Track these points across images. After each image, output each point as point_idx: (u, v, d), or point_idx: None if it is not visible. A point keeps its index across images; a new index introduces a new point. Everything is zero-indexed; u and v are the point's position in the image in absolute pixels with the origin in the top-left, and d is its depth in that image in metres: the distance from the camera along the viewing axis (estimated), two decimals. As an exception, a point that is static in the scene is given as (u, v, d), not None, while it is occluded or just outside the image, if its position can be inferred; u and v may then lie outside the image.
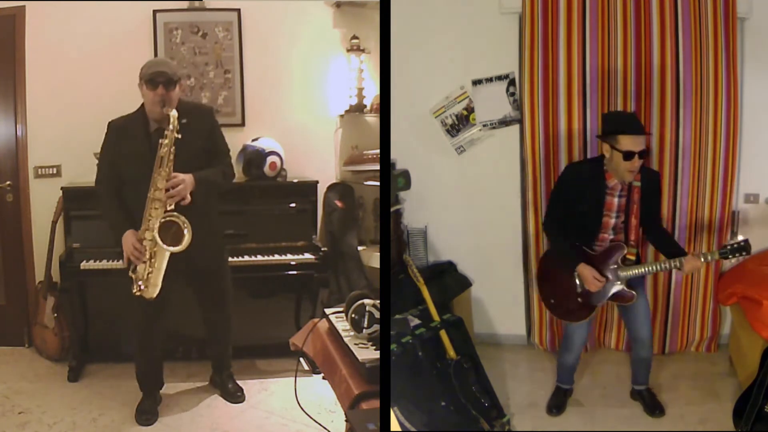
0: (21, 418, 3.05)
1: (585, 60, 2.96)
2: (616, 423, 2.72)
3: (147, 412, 3.11)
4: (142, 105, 3.03)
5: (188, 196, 2.85)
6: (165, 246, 2.78)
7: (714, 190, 2.97)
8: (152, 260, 2.82)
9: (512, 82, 3.10)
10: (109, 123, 3.06)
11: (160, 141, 2.82)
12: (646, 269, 2.51)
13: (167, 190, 2.80)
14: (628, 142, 2.37)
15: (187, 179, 2.85)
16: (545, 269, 2.77)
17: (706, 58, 2.84)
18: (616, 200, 2.51)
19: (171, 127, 2.80)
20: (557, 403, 2.83)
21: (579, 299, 2.59)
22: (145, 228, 2.83)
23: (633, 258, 2.54)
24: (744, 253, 2.42)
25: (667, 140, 2.93)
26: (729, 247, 2.42)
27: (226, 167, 3.10)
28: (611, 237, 2.55)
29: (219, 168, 3.05)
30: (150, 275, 2.83)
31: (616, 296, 2.55)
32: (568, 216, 2.57)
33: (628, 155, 2.37)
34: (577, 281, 2.58)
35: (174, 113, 2.82)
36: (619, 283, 2.53)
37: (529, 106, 3.04)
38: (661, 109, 2.93)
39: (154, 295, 2.85)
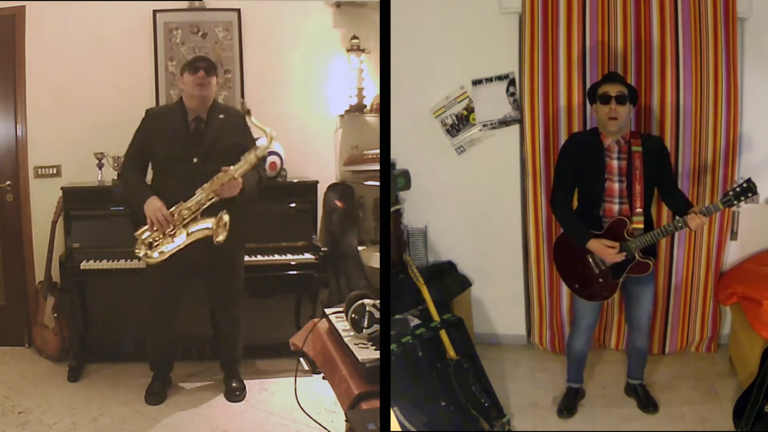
0: (21, 418, 3.05)
1: (585, 60, 2.96)
2: (616, 423, 2.72)
3: (156, 393, 3.20)
4: (180, 99, 3.16)
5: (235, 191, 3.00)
6: (196, 230, 2.93)
7: (714, 190, 2.97)
8: (174, 234, 2.93)
9: (512, 82, 3.10)
10: (147, 110, 3.21)
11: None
12: (653, 236, 2.41)
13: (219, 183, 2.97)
14: (605, 88, 2.46)
15: (240, 183, 2.99)
16: (560, 254, 2.70)
17: (706, 58, 2.84)
18: (615, 162, 2.48)
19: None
20: (568, 405, 2.80)
21: (600, 279, 2.54)
22: (185, 206, 2.94)
23: (641, 227, 2.44)
24: (750, 195, 2.21)
25: (668, 141, 2.93)
26: (732, 192, 2.24)
27: (261, 170, 3.20)
28: (617, 208, 2.48)
29: (256, 173, 3.14)
30: (165, 244, 2.92)
31: (634, 268, 2.46)
32: (574, 184, 2.56)
33: (604, 98, 2.44)
34: (592, 261, 2.54)
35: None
36: (631, 257, 2.44)
37: (529, 106, 3.04)
38: (661, 109, 2.93)
39: (156, 262, 2.94)
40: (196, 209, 2.97)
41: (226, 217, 2.94)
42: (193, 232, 2.96)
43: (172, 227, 2.94)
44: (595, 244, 2.48)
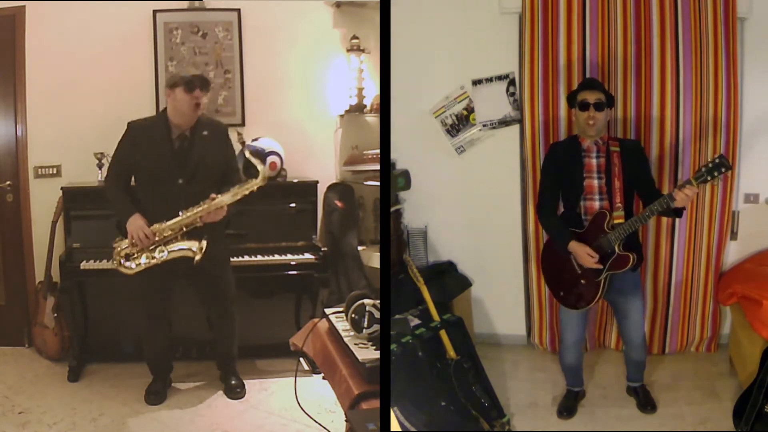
0: (21, 418, 3.05)
1: (585, 60, 2.97)
2: (616, 423, 2.72)
3: (156, 393, 3.21)
4: (164, 111, 3.10)
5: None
6: (176, 249, 2.95)
7: (714, 190, 2.97)
8: (153, 253, 2.94)
9: (512, 82, 3.10)
10: (129, 123, 3.12)
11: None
12: (632, 224, 2.41)
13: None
14: (583, 95, 2.51)
15: (225, 211, 2.99)
16: (547, 264, 2.73)
17: (706, 58, 2.84)
18: (594, 161, 2.53)
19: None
20: (568, 407, 2.81)
21: (582, 281, 2.55)
22: (168, 226, 2.94)
23: (621, 221, 2.46)
24: (723, 170, 2.21)
25: (668, 141, 2.93)
26: (704, 168, 2.23)
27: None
28: (598, 205, 2.51)
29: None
30: (144, 259, 2.93)
31: (614, 264, 2.47)
32: (557, 190, 2.60)
33: (582, 105, 2.50)
34: (574, 262, 2.56)
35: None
36: (611, 251, 2.46)
37: (529, 106, 3.04)
38: (661, 109, 2.93)
39: (132, 273, 2.97)
40: (177, 230, 2.96)
41: (204, 243, 2.95)
42: (173, 251, 2.97)
43: (151, 245, 2.95)
44: (576, 247, 2.50)
